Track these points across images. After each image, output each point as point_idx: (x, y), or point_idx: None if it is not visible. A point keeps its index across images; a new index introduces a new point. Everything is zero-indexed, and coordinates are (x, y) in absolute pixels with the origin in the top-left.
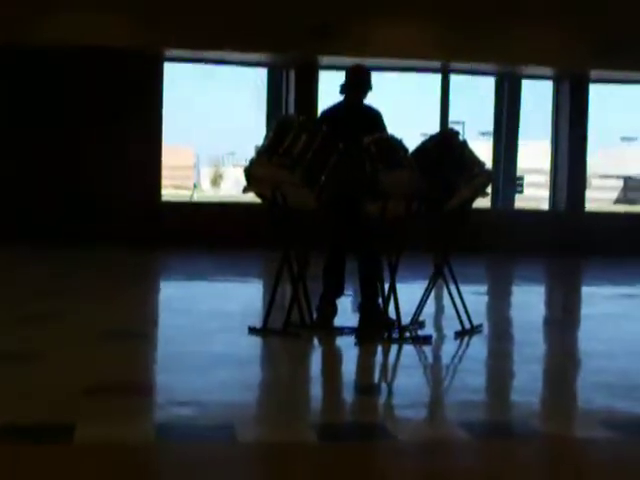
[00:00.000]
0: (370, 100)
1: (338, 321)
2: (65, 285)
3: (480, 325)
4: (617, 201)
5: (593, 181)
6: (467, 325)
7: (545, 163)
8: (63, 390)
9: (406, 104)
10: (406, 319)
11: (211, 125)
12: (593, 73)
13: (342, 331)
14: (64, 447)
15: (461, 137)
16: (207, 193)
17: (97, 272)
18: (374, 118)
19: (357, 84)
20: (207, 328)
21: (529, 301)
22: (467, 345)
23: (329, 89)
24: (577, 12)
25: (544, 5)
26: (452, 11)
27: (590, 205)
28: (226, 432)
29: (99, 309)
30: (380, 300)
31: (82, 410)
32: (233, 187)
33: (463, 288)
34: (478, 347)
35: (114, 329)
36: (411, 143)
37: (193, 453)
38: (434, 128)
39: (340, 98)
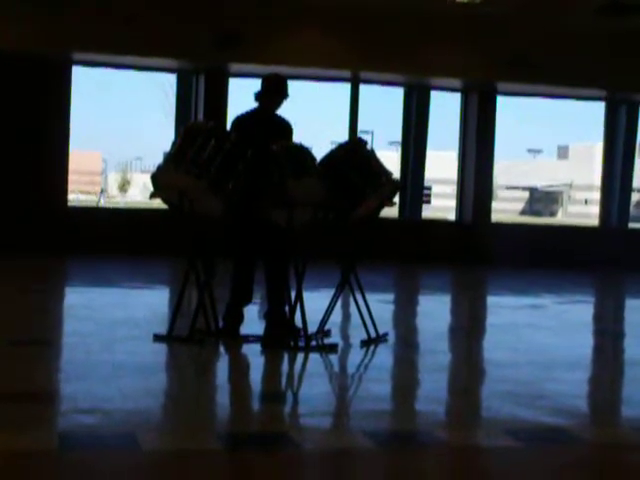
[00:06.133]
0: (281, 109)
1: (244, 329)
2: None
3: (386, 334)
4: (523, 212)
5: (499, 192)
6: (373, 334)
7: (452, 174)
8: None
9: (316, 113)
10: (312, 327)
11: (120, 130)
12: (501, 86)
13: (248, 339)
14: None
15: (369, 146)
16: (114, 198)
17: (1, 279)
18: (284, 129)
19: (273, 93)
20: (112, 335)
21: (435, 310)
22: (373, 354)
23: (239, 96)
24: (484, 26)
25: (452, 19)
26: (361, 22)
27: (496, 216)
28: (129, 440)
29: (1, 316)
30: (287, 308)
31: None
32: (141, 193)
33: (370, 297)
34: (384, 356)
35: (17, 336)
36: (320, 151)
37: (96, 461)
38: (343, 137)
39: (254, 105)
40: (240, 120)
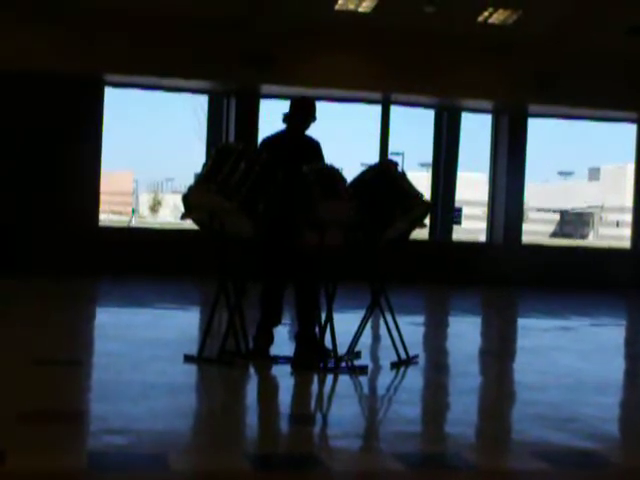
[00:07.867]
0: (311, 129)
1: (274, 350)
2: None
3: (416, 356)
4: (554, 234)
5: (530, 214)
6: (403, 356)
7: (483, 195)
8: None
9: (346, 134)
10: (342, 349)
11: (151, 151)
12: (532, 108)
13: (278, 360)
14: None
15: (400, 168)
16: (146, 219)
17: (32, 299)
18: (313, 148)
19: (301, 115)
20: (142, 356)
21: (465, 332)
22: (403, 376)
23: (270, 117)
24: (515, 47)
25: (482, 40)
26: (392, 44)
27: (527, 238)
28: (159, 461)
29: (34, 336)
30: (317, 329)
31: (14, 436)
32: (171, 213)
33: (400, 319)
34: (414, 378)
35: (48, 356)
36: (351, 173)
37: None
38: (374, 158)
39: (282, 126)
40: (268, 142)
